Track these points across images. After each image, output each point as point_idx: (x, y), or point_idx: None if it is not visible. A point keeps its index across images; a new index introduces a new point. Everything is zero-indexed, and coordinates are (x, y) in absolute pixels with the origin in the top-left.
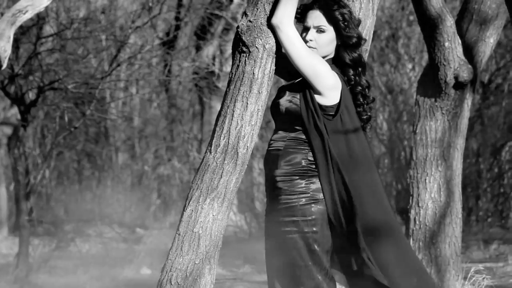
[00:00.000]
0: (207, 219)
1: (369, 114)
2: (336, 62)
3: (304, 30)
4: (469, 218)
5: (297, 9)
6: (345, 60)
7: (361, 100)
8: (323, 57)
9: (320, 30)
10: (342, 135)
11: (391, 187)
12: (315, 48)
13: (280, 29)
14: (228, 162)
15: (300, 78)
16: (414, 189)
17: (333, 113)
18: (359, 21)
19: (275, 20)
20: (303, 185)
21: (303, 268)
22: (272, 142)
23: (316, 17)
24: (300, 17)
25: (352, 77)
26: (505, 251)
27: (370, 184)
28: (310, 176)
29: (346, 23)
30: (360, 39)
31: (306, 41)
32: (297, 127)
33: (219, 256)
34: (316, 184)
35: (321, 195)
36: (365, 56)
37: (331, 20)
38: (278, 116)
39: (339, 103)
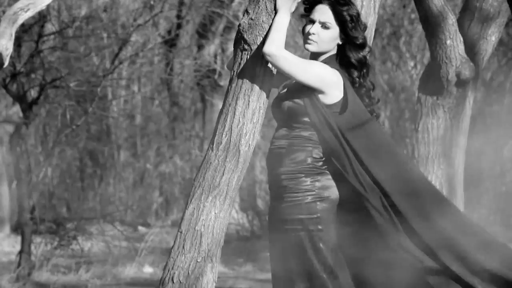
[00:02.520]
0: (209, 217)
1: (376, 113)
2: (341, 62)
3: (308, 22)
4: (471, 217)
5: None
6: (350, 60)
7: (366, 101)
8: (322, 54)
9: (325, 26)
10: (358, 127)
11: None
12: (315, 42)
13: (277, 55)
14: (230, 159)
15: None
16: None
17: (337, 110)
18: (366, 26)
19: (269, 49)
20: (308, 183)
21: (308, 266)
22: (274, 140)
23: (324, 13)
24: (307, 9)
25: (357, 79)
26: None
27: (399, 169)
28: (315, 174)
29: (353, 24)
30: (366, 41)
31: (308, 34)
32: (299, 125)
33: (221, 254)
34: (321, 182)
35: (326, 193)
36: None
37: (339, 18)
38: (280, 115)
39: (344, 98)
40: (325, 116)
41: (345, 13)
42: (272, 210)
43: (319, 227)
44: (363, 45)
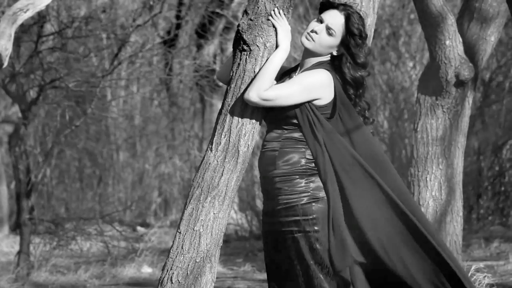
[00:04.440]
0: (208, 218)
1: (371, 131)
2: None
3: (317, 19)
4: (470, 216)
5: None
6: (345, 76)
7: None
8: (313, 56)
9: (329, 32)
10: (345, 134)
11: None
12: (313, 41)
13: (256, 102)
14: (229, 160)
15: (289, 79)
16: (415, 187)
17: (329, 111)
18: (370, 50)
19: (248, 96)
20: (303, 184)
21: (305, 268)
22: (266, 143)
23: (335, 19)
24: (322, 7)
25: (353, 96)
26: (506, 249)
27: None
28: (309, 175)
29: (359, 41)
30: (367, 62)
31: (312, 30)
32: (290, 127)
33: (220, 254)
34: (315, 183)
35: (321, 194)
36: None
37: (349, 29)
38: (270, 117)
39: (334, 100)
40: (310, 120)
41: (356, 27)
42: (266, 212)
43: (316, 228)
44: (363, 65)
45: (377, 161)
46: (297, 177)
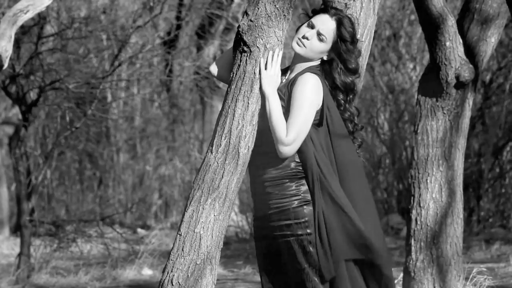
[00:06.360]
0: (208, 219)
1: (360, 140)
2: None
3: (307, 24)
4: (470, 218)
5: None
6: (336, 81)
7: (350, 127)
8: (303, 61)
9: (320, 38)
10: (330, 140)
11: (392, 187)
12: (305, 47)
13: (292, 152)
14: (229, 162)
15: (281, 83)
16: (416, 189)
17: (317, 118)
18: (360, 52)
19: (283, 152)
20: (293, 187)
21: (299, 271)
22: (255, 148)
23: (325, 25)
24: (314, 11)
25: (342, 101)
26: (507, 251)
27: (362, 190)
28: (299, 178)
29: (351, 46)
30: (358, 67)
31: (302, 36)
32: None
33: (221, 256)
34: (306, 186)
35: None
36: (366, 57)
37: (340, 34)
38: (260, 122)
39: (322, 106)
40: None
41: (348, 32)
42: (257, 217)
43: (308, 230)
44: (354, 70)
45: (355, 173)
46: (287, 180)
